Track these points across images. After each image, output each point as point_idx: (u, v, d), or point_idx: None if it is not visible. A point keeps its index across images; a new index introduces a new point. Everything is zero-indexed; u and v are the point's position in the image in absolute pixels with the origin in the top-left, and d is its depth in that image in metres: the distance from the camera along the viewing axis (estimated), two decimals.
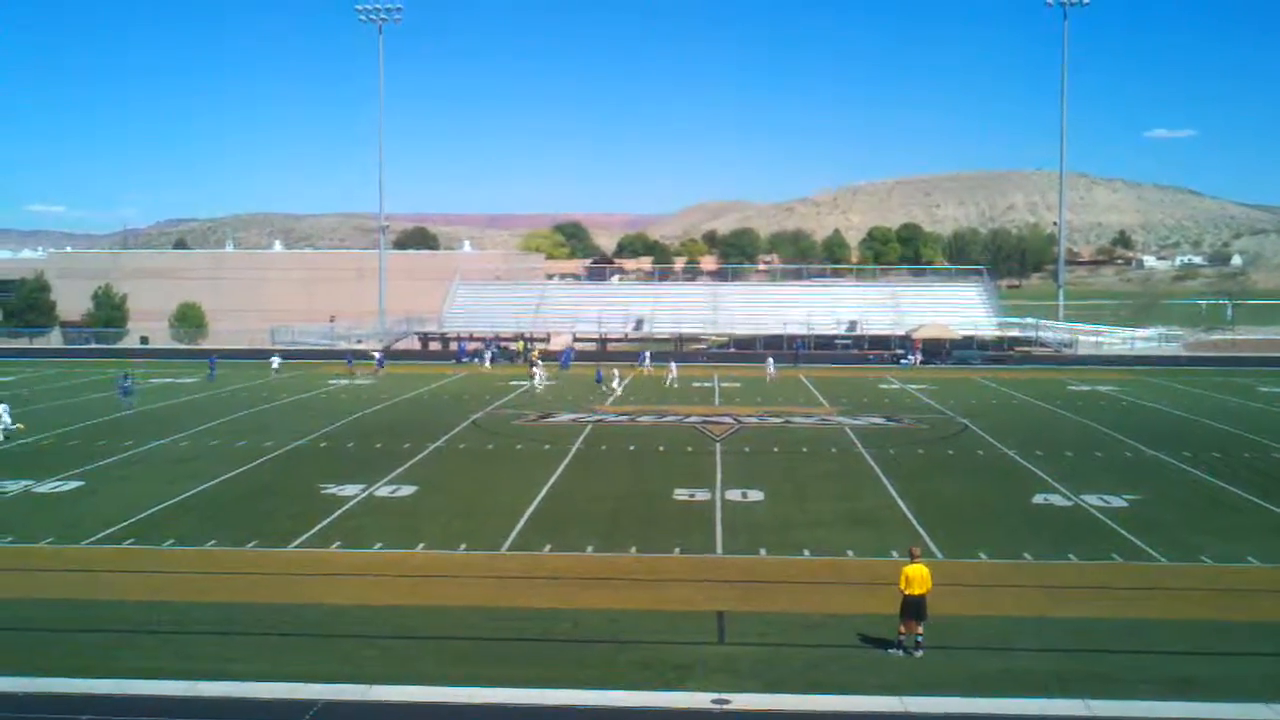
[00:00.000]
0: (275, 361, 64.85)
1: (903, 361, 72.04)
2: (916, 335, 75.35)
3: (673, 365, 60.65)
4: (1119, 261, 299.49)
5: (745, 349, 77.57)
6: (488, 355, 71.71)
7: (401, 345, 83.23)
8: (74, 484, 30.53)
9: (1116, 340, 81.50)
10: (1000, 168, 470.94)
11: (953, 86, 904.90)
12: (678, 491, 29.54)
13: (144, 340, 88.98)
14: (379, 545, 23.81)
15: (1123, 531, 25.02)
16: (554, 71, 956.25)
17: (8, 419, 38.74)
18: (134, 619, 18.67)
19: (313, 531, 25.02)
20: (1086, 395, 54.23)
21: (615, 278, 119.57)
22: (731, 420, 44.08)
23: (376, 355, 67.60)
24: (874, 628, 17.84)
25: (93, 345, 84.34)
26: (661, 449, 36.85)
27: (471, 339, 79.29)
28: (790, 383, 59.48)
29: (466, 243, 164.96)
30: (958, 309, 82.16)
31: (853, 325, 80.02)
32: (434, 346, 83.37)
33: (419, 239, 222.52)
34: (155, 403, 49.99)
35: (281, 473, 32.60)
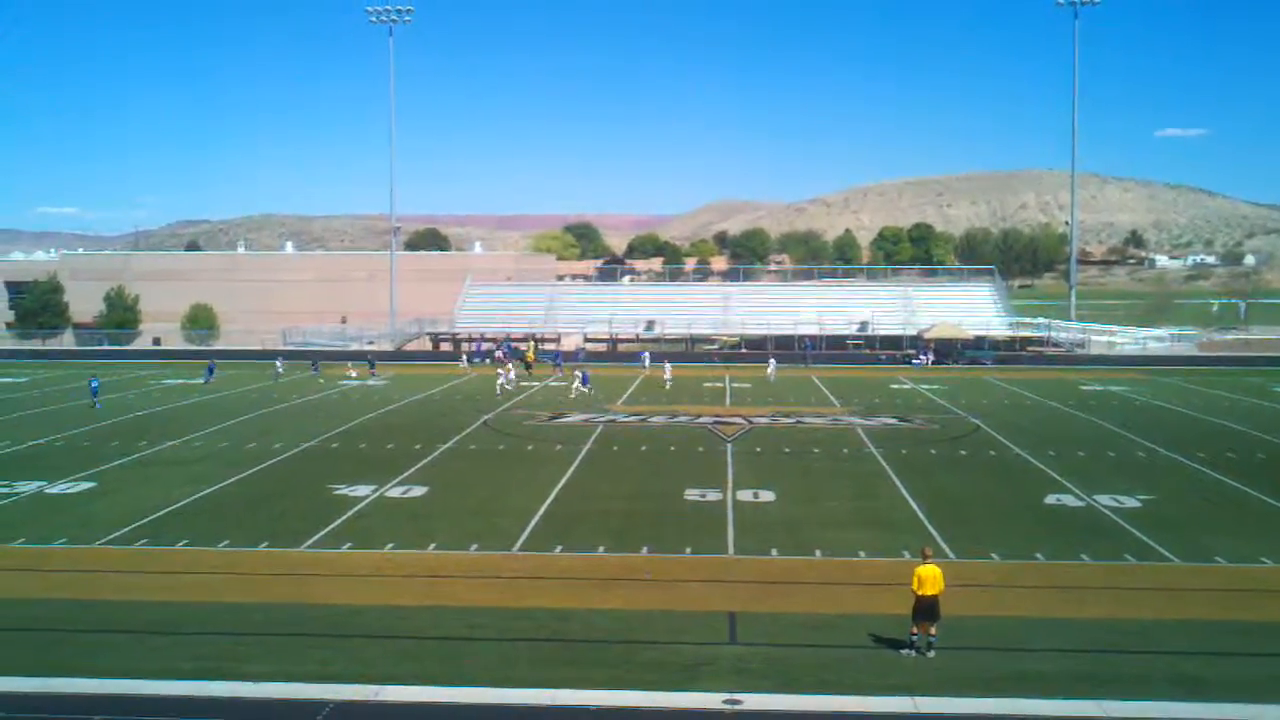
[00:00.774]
0: (279, 364, 64.83)
1: (914, 361, 71.92)
2: (928, 335, 75.22)
3: (667, 365, 60.82)
4: (1131, 261, 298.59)
5: (756, 349, 77.57)
6: (464, 358, 71.56)
7: (413, 346, 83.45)
8: (86, 485, 30.65)
9: (1129, 340, 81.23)
10: (1012, 167, 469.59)
11: (964, 86, 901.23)
12: (689, 492, 29.53)
13: (157, 341, 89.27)
14: (391, 546, 23.83)
15: (1135, 532, 24.93)
16: (565, 72, 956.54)
17: None
18: (146, 619, 18.73)
19: (325, 532, 25.07)
20: (1099, 395, 54.05)
21: (626, 278, 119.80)
22: (743, 421, 44.04)
23: (369, 359, 68.00)
24: (886, 628, 17.79)
25: (105, 347, 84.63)
26: (673, 449, 36.84)
27: (483, 340, 79.44)
28: (801, 383, 59.42)
29: (478, 244, 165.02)
30: (969, 309, 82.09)
31: (864, 325, 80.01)
32: (445, 347, 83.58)
33: (430, 240, 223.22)
34: (167, 404, 50.19)
35: (293, 473, 32.67)
